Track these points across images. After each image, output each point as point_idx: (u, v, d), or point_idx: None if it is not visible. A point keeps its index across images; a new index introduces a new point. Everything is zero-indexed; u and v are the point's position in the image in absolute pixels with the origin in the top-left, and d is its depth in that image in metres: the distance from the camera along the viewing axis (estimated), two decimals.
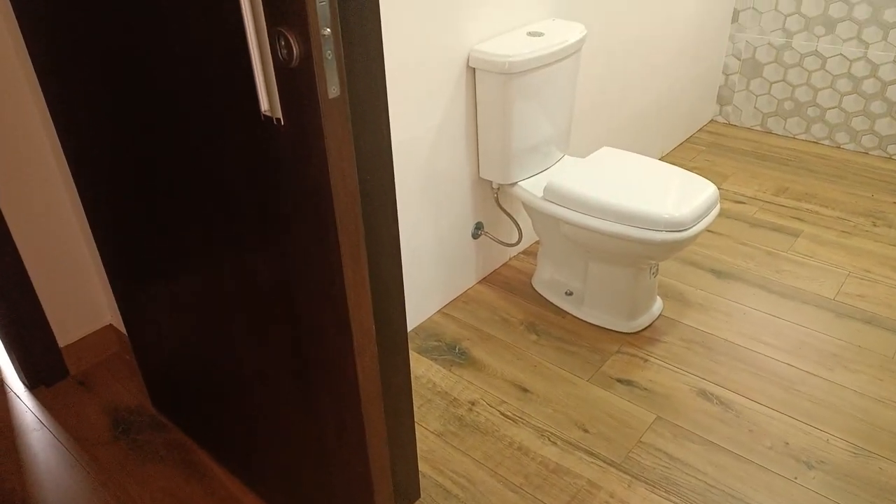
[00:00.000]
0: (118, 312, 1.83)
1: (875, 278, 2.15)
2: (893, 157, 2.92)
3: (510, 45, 1.77)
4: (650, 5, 2.47)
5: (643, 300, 1.95)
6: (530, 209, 1.96)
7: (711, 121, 3.35)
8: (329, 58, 0.76)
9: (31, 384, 1.85)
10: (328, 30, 0.74)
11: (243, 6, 0.78)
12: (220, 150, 0.97)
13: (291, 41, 0.74)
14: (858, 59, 2.84)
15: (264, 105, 0.84)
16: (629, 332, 1.96)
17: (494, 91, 1.79)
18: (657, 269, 1.95)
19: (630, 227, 1.72)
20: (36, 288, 1.75)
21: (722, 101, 3.30)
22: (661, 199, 1.74)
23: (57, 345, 1.84)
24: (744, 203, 2.64)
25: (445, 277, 2.05)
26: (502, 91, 1.77)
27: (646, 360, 1.86)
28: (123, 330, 1.89)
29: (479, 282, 2.20)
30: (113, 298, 1.77)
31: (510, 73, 1.74)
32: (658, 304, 2.04)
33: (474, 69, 1.81)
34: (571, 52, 1.86)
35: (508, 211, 2.16)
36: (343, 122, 0.80)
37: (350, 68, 0.92)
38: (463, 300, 2.12)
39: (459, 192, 1.97)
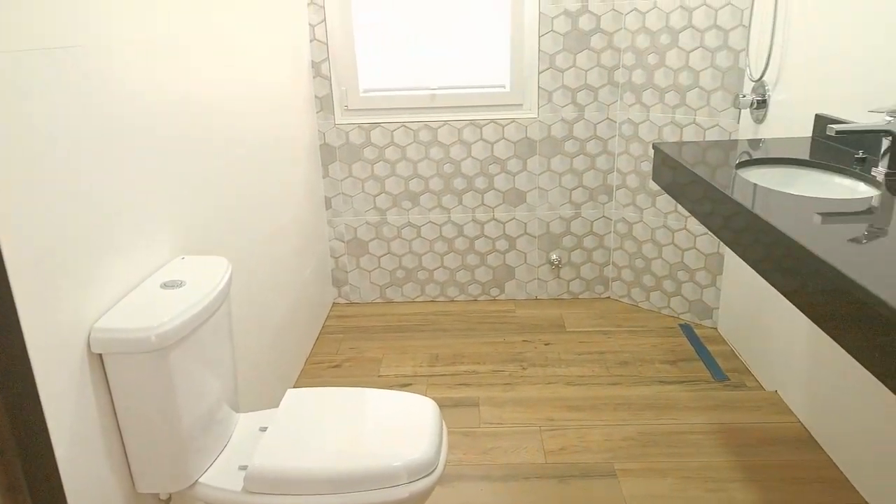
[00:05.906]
0: None
1: (561, 425, 2.24)
2: (497, 299, 3.25)
3: (148, 311, 1.29)
4: (258, 216, 2.24)
5: None
6: None
7: (334, 304, 3.25)
8: None
9: None
10: None
11: None
12: None
13: None
14: (445, 222, 3.12)
15: None
16: None
17: (142, 374, 1.26)
18: None
19: (370, 491, 1.37)
20: None
21: (338, 283, 3.24)
22: (391, 442, 1.45)
23: None
24: (411, 384, 2.53)
25: None
26: (154, 371, 1.26)
27: None
28: None
29: None
30: None
31: (161, 349, 1.25)
32: None
33: (101, 355, 1.25)
34: (224, 297, 1.47)
35: None
36: None
37: None
38: None
39: None
